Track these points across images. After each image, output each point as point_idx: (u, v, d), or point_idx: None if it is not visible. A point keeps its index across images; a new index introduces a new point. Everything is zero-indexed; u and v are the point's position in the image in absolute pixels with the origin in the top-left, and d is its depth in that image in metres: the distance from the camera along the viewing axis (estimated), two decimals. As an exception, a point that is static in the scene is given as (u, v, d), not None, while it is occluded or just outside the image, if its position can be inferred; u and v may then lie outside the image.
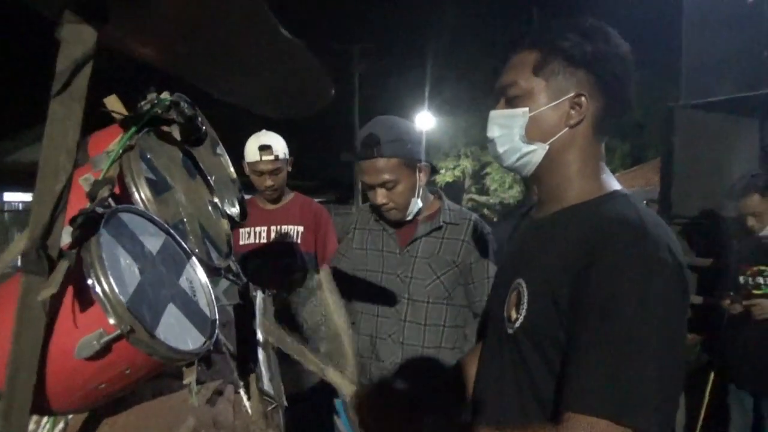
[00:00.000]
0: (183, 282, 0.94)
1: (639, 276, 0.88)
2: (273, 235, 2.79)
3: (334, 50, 16.89)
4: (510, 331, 1.04)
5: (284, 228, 2.80)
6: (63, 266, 0.71)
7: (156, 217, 0.95)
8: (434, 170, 1.98)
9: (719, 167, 3.73)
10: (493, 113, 1.10)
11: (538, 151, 1.06)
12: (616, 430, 0.83)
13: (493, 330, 1.14)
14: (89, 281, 0.75)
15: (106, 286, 0.75)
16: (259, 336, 1.20)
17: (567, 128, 1.04)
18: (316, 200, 3.16)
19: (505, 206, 21.39)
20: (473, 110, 18.23)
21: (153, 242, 0.91)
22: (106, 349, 0.76)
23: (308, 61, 0.76)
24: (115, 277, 0.76)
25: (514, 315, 1.03)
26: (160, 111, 1.13)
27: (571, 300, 0.93)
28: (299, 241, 2.79)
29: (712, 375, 3.09)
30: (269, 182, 2.71)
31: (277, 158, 2.68)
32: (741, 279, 2.91)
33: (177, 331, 0.84)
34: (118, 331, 0.74)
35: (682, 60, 4.08)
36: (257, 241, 2.78)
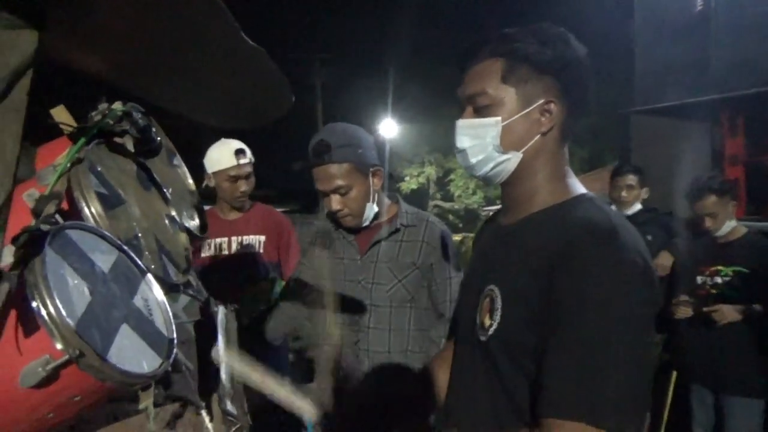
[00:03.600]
0: (137, 301, 0.90)
1: (608, 279, 0.88)
2: (234, 246, 2.73)
3: (294, 60, 16.81)
4: (483, 338, 1.03)
5: (246, 238, 2.74)
6: (3, 289, 0.66)
7: (107, 234, 0.90)
8: (391, 176, 1.98)
9: (674, 169, 3.84)
10: (460, 123, 1.07)
11: (512, 160, 1.04)
12: None
13: (464, 337, 1.13)
14: (34, 304, 0.70)
15: (51, 309, 0.70)
16: (222, 353, 1.16)
17: (539, 135, 1.04)
18: (280, 210, 3.11)
19: (470, 212, 21.63)
20: (436, 117, 18.38)
21: (104, 260, 0.87)
22: (53, 376, 0.71)
23: (269, 68, 0.74)
24: (61, 299, 0.71)
25: (487, 322, 1.02)
26: (111, 122, 1.08)
27: (544, 304, 0.92)
28: (262, 250, 2.73)
29: (674, 374, 3.15)
30: (244, 187, 2.65)
31: (251, 162, 2.65)
32: (699, 279, 2.98)
33: (131, 354, 0.80)
34: (66, 357, 0.70)
35: (635, 66, 4.21)
36: (218, 252, 2.71)
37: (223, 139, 2.68)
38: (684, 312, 2.93)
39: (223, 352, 1.14)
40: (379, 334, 1.89)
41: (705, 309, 2.85)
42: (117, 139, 1.12)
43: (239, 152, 2.60)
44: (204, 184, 2.69)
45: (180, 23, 0.63)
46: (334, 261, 1.99)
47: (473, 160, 1.06)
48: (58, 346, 0.70)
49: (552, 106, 1.02)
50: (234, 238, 2.73)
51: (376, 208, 1.91)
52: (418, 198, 20.38)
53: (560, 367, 0.88)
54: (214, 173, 2.63)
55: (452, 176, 21.51)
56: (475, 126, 1.05)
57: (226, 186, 2.64)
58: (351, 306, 1.92)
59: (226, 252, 2.71)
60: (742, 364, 2.80)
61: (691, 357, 3.00)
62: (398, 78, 18.16)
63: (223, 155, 2.61)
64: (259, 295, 2.58)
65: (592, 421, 0.84)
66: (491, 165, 1.05)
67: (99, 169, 1.03)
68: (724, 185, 2.94)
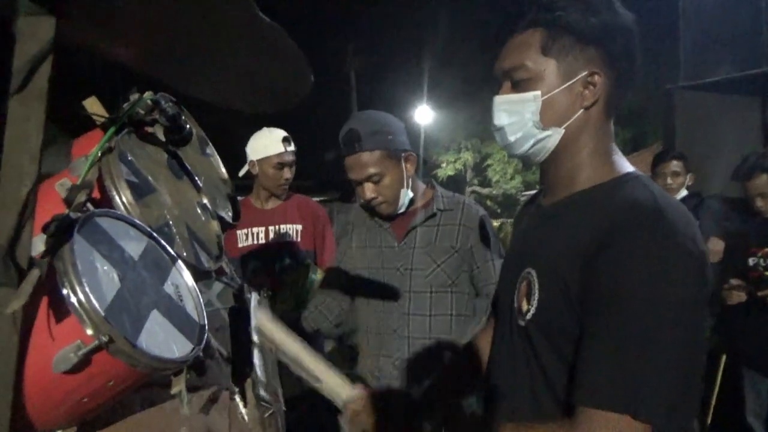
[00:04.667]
0: (168, 287, 0.90)
1: (653, 262, 0.82)
2: (271, 235, 2.75)
3: (327, 49, 16.84)
4: (521, 323, 0.99)
5: (283, 227, 2.76)
6: (33, 276, 0.67)
7: (137, 221, 0.91)
8: (426, 162, 1.96)
9: (722, 148, 3.68)
10: (498, 99, 1.01)
11: (553, 137, 0.98)
12: (633, 426, 0.79)
13: (503, 321, 1.09)
14: (63, 291, 0.71)
15: (81, 295, 0.70)
16: (255, 339, 1.16)
17: (582, 110, 0.97)
18: (317, 199, 3.13)
19: (508, 197, 21.34)
20: (472, 102, 18.12)
21: (134, 247, 0.87)
22: (85, 362, 0.72)
23: (287, 46, 0.72)
24: (90, 286, 0.72)
25: (525, 306, 0.98)
26: (141, 111, 1.08)
27: (583, 289, 0.88)
28: (299, 239, 2.75)
29: (723, 358, 3.04)
30: (288, 175, 2.70)
31: (294, 150, 2.69)
32: (751, 261, 2.86)
33: (161, 339, 0.80)
34: (96, 342, 0.70)
35: (680, 41, 4.03)
36: (255, 242, 2.74)
37: (266, 128, 2.71)
38: (738, 297, 2.83)
39: (256, 336, 1.15)
40: (420, 320, 1.88)
41: (760, 294, 2.74)
42: (147, 129, 1.13)
43: (285, 140, 2.65)
44: (244, 171, 2.72)
45: (195, 2, 0.62)
46: (372, 249, 1.98)
47: (512, 138, 1.00)
48: (88, 331, 0.70)
49: (596, 78, 0.96)
50: (271, 228, 2.76)
51: (411, 194, 1.89)
52: (455, 184, 20.20)
53: (599, 355, 0.84)
54: (260, 160, 2.66)
55: (490, 161, 21.25)
56: (513, 102, 0.99)
57: (271, 173, 2.66)
58: (390, 293, 1.91)
59: (263, 241, 2.75)
60: (799, 349, 2.68)
61: (744, 341, 2.88)
62: (433, 64, 17.99)
63: (271, 142, 2.64)
64: (297, 280, 2.59)
65: (631, 413, 0.79)
66: (531, 143, 0.99)
67: (129, 158, 1.04)
68: (777, 163, 2.81)
